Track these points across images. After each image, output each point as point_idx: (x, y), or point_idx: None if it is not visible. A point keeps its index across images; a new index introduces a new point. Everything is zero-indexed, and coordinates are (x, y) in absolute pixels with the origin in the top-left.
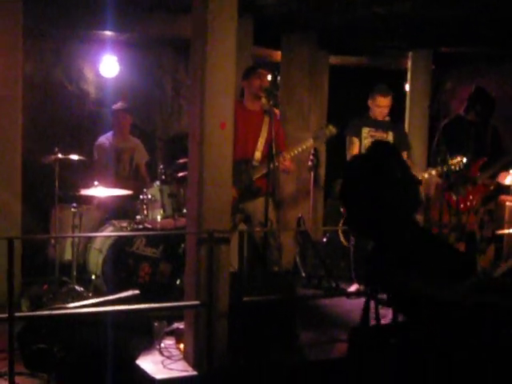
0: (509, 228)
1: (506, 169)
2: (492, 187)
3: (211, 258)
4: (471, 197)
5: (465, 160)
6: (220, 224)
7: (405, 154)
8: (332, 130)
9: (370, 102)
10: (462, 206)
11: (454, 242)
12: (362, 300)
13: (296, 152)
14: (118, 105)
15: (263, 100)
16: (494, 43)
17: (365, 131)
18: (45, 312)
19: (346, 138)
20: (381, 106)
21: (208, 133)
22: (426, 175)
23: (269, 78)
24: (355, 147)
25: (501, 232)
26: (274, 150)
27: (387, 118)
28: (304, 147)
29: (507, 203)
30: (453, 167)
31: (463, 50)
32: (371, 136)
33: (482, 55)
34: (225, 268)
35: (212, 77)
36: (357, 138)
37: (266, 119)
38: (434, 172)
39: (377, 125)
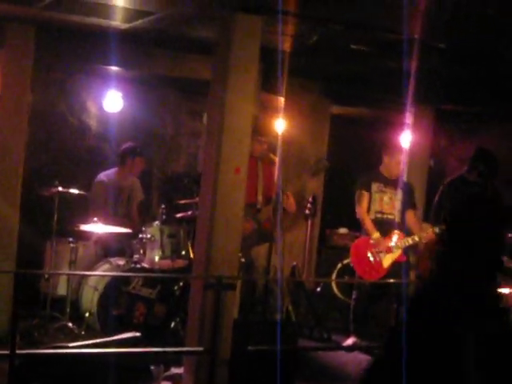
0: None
1: None
2: None
3: (218, 303)
4: None
5: None
6: (228, 270)
7: (411, 213)
8: (325, 162)
9: (386, 158)
10: None
11: None
12: (358, 353)
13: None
14: (142, 156)
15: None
16: (495, 103)
17: (374, 186)
18: (46, 350)
19: (355, 192)
20: (399, 162)
21: (222, 177)
22: (437, 230)
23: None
24: (365, 200)
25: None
26: (280, 195)
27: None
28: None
29: None
30: None
31: (463, 108)
32: (381, 191)
33: (481, 113)
34: (230, 315)
35: (230, 120)
36: (367, 192)
37: (260, 164)
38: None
39: (386, 181)
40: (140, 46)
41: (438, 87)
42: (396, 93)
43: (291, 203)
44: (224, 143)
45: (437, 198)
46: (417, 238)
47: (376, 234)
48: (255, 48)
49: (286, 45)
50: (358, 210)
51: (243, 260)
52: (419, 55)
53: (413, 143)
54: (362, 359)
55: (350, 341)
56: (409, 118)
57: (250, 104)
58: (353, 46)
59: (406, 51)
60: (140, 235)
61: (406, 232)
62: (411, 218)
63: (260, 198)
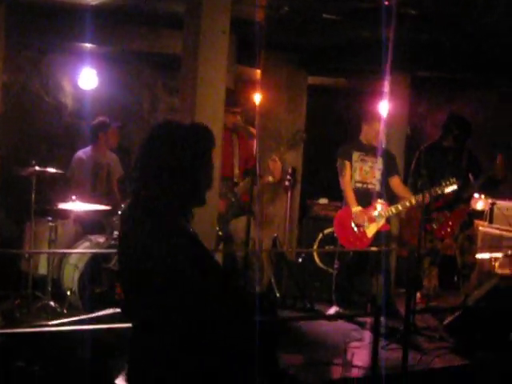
0: (481, 253)
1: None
2: (470, 209)
3: None
4: (450, 223)
5: (455, 186)
6: (205, 243)
7: (397, 178)
8: (302, 135)
9: (365, 126)
10: (442, 233)
11: (428, 266)
12: (341, 322)
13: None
14: (114, 123)
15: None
16: (468, 69)
17: (355, 155)
18: (26, 329)
19: (337, 161)
20: (378, 130)
21: None
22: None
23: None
24: (347, 170)
25: (480, 257)
26: (257, 169)
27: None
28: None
29: (480, 228)
30: (446, 190)
31: (438, 75)
32: (362, 160)
33: (456, 80)
34: None
35: (203, 94)
36: (348, 161)
37: (235, 136)
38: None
39: (367, 149)
40: (112, 22)
41: (413, 55)
42: (371, 61)
43: (278, 168)
44: (197, 116)
45: (413, 165)
46: (400, 207)
47: (356, 208)
48: (225, 20)
49: (258, 16)
50: (341, 180)
51: (221, 234)
52: (391, 23)
53: (390, 111)
54: (344, 328)
55: (332, 310)
56: (385, 87)
57: (223, 76)
58: (325, 16)
59: (378, 19)
60: (119, 212)
61: (388, 200)
62: (398, 184)
63: (236, 171)
